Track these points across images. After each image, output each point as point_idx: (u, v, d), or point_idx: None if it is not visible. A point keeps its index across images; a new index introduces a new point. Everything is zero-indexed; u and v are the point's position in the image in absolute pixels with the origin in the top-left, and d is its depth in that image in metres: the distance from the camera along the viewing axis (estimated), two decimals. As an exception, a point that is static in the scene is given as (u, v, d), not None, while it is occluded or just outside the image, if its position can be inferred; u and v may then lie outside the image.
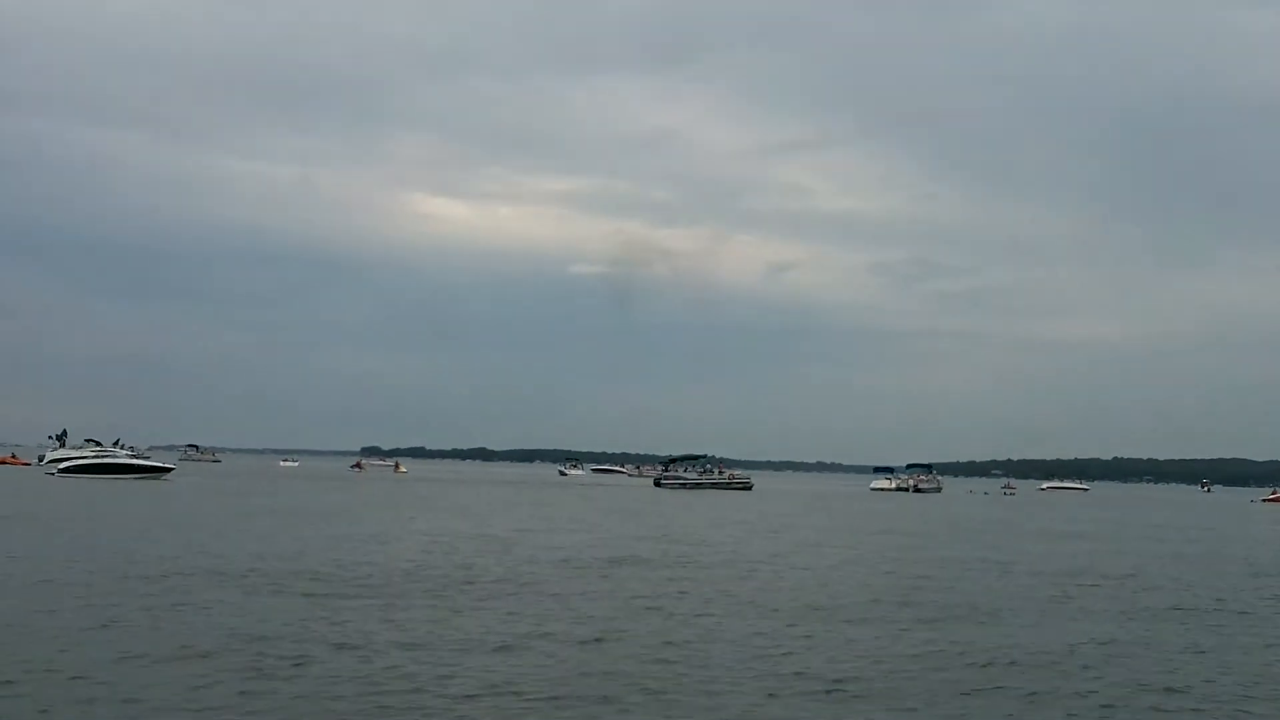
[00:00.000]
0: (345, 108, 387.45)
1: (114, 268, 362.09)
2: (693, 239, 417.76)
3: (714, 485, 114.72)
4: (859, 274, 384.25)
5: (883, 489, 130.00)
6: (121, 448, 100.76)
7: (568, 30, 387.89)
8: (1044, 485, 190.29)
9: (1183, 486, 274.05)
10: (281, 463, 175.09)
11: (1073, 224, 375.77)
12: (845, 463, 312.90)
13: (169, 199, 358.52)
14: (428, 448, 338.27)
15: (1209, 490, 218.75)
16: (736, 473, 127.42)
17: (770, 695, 14.68)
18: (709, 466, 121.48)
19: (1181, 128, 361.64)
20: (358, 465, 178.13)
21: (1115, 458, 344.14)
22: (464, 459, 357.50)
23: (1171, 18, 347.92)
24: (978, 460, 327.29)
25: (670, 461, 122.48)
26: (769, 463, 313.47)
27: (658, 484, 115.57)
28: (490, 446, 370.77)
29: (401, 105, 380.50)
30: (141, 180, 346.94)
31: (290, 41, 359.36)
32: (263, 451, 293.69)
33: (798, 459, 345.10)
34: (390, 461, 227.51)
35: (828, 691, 14.99)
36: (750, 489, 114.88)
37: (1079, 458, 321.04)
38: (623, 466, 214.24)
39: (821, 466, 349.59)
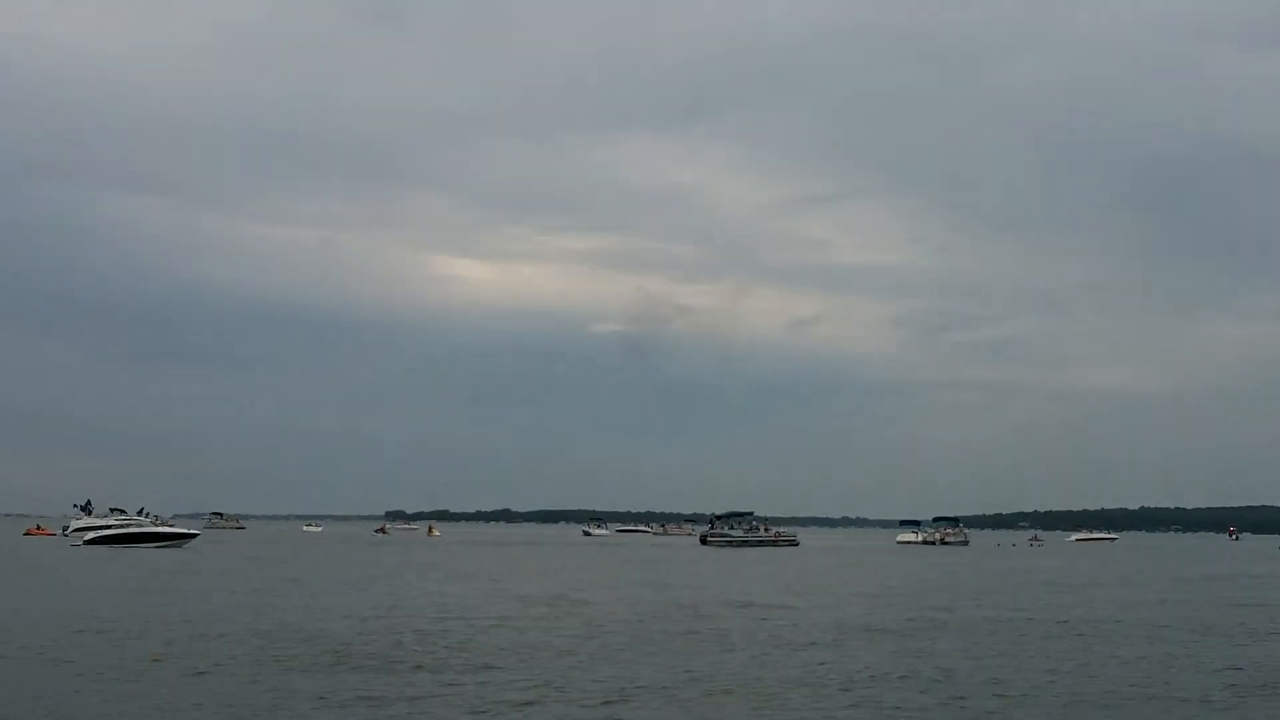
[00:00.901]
0: (366, 170, 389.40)
1: (135, 333, 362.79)
2: (714, 294, 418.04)
3: (760, 543, 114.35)
4: (881, 326, 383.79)
5: (909, 542, 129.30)
6: (145, 516, 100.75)
7: (587, 89, 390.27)
8: (1073, 537, 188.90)
9: (1210, 535, 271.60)
10: (305, 528, 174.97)
11: (1093, 273, 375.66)
12: (870, 517, 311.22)
13: (190, 264, 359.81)
14: (452, 510, 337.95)
15: (1237, 538, 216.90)
16: (782, 530, 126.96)
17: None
18: (754, 524, 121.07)
19: (1197, 178, 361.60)
20: (382, 530, 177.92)
21: (1142, 507, 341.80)
22: (488, 521, 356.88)
23: (1185, 70, 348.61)
24: (1004, 513, 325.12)
25: (716, 519, 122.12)
26: (794, 518, 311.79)
27: (704, 541, 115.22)
28: (514, 508, 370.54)
29: (422, 167, 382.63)
30: (163, 245, 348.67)
31: (311, 105, 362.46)
32: (286, 517, 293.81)
33: (822, 514, 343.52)
34: (415, 525, 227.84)
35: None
36: (796, 545, 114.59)
37: (1105, 508, 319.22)
38: (648, 525, 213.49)
39: (847, 521, 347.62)
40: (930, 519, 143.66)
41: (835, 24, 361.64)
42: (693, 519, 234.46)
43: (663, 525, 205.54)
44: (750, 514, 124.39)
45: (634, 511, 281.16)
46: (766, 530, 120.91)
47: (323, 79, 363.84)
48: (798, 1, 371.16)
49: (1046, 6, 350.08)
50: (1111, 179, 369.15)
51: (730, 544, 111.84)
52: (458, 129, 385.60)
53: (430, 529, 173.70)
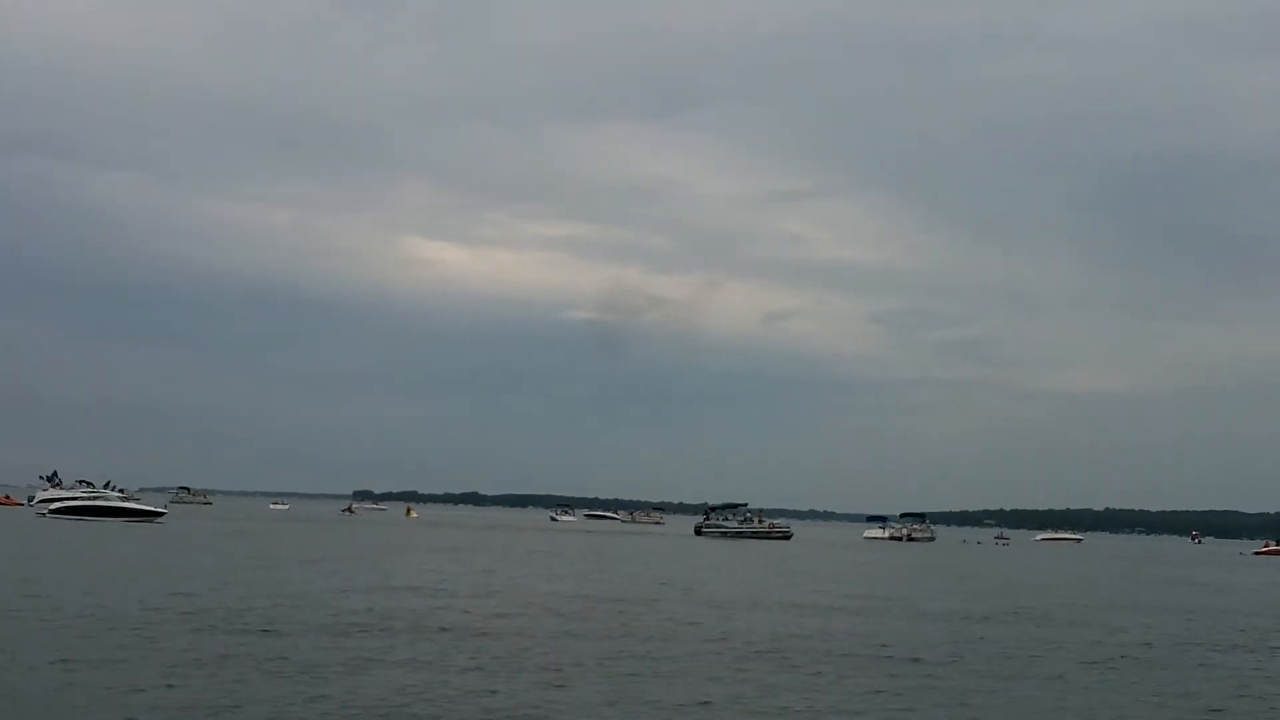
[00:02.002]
0: (343, 153, 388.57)
1: (106, 310, 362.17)
2: (689, 286, 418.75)
3: (754, 534, 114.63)
4: (856, 323, 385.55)
5: (876, 538, 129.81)
6: (113, 489, 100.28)
7: (567, 79, 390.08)
8: (1039, 536, 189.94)
9: (1174, 538, 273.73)
10: (272, 505, 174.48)
11: (1066, 275, 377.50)
12: (838, 511, 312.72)
13: (163, 242, 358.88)
14: (420, 492, 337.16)
15: (1199, 542, 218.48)
16: (776, 522, 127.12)
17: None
18: (749, 515, 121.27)
19: (1173, 180, 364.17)
20: (349, 509, 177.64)
21: (1107, 509, 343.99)
22: (456, 503, 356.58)
23: (1163, 73, 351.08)
24: (970, 510, 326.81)
25: (711, 510, 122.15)
26: (761, 510, 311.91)
27: (699, 532, 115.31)
28: (482, 491, 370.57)
29: (399, 151, 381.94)
30: (136, 223, 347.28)
31: (288, 86, 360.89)
32: (254, 494, 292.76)
33: (790, 506, 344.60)
34: (383, 506, 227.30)
35: None
36: (790, 538, 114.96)
37: (1071, 508, 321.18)
38: (615, 513, 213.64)
39: (814, 515, 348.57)
40: (897, 515, 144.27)
41: (814, 21, 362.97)
42: (660, 507, 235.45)
43: (630, 513, 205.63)
44: (745, 505, 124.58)
45: (601, 498, 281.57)
46: (760, 522, 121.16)
47: (302, 61, 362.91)
48: (779, 1, 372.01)
49: (1024, 6, 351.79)
50: (1087, 180, 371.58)
51: (725, 535, 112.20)
52: (437, 113, 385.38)
53: (409, 510, 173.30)
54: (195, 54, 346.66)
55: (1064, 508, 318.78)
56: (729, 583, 46.04)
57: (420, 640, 23.65)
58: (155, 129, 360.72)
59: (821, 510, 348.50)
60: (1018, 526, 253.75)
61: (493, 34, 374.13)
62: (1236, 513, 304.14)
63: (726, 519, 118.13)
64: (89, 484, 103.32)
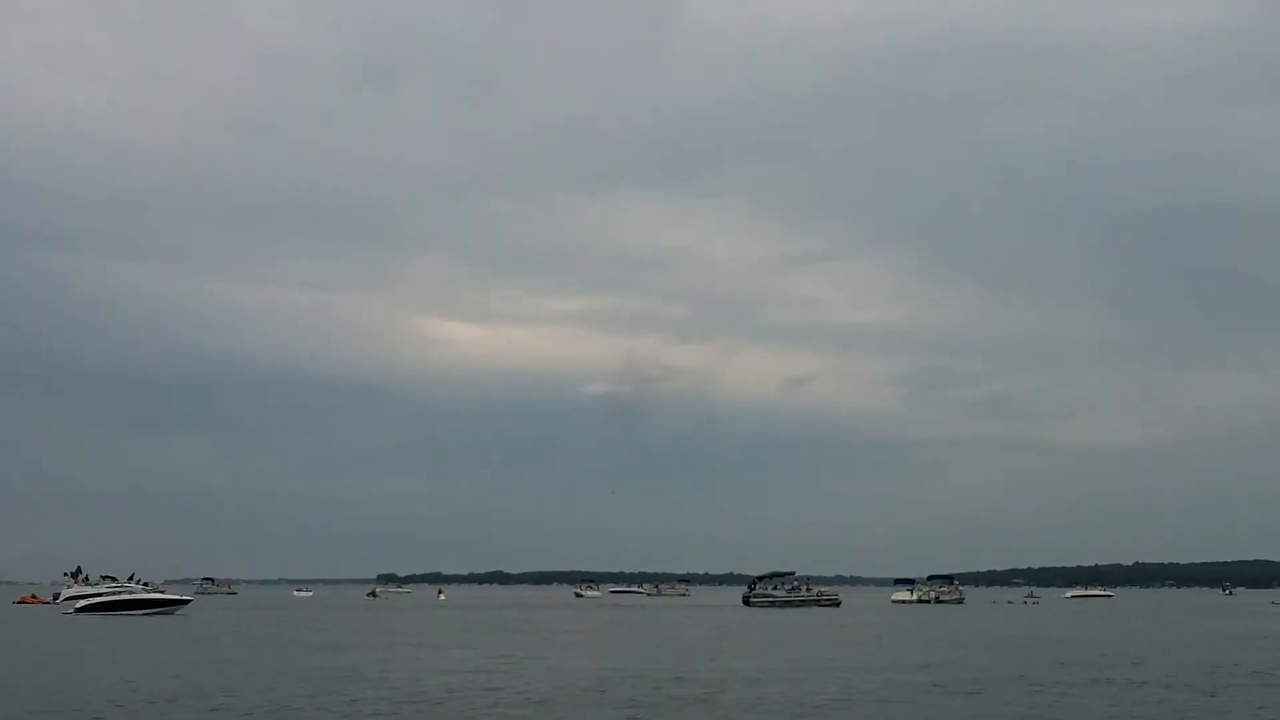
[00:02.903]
0: (359, 233, 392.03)
1: (125, 398, 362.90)
2: (707, 353, 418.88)
3: (803, 603, 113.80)
4: (877, 384, 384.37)
5: (904, 601, 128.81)
6: (137, 582, 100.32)
7: (579, 150, 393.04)
8: (1069, 594, 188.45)
9: (1205, 590, 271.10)
10: (295, 593, 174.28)
11: (1085, 328, 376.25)
12: (865, 575, 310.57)
13: (183, 328, 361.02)
14: (444, 572, 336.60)
15: (1231, 593, 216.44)
16: (825, 590, 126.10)
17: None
18: (796, 584, 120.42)
19: (1190, 229, 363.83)
20: (372, 593, 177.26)
21: (1136, 563, 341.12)
22: (481, 583, 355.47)
23: (1176, 120, 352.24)
24: (998, 569, 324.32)
25: (758, 580, 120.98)
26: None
27: (747, 602, 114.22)
28: (506, 569, 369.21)
29: (415, 228, 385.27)
30: (156, 310, 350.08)
31: (302, 169, 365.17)
32: (278, 582, 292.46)
33: (816, 573, 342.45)
34: (407, 589, 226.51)
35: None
36: (839, 605, 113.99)
37: (1099, 564, 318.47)
38: (640, 586, 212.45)
39: (840, 580, 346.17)
40: (924, 577, 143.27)
41: (821, 82, 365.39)
42: (685, 579, 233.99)
43: (656, 585, 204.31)
44: (792, 574, 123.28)
45: (626, 572, 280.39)
46: (809, 590, 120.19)
47: (312, 142, 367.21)
48: (787, 61, 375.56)
49: (1037, 61, 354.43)
50: (1104, 232, 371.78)
51: (774, 604, 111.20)
52: (448, 190, 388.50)
53: (439, 593, 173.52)
54: (210, 141, 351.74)
55: (1093, 564, 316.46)
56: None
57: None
58: (171, 217, 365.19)
59: (848, 575, 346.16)
60: (1047, 584, 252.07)
61: (503, 107, 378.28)
62: (1269, 562, 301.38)
63: (775, 588, 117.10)
64: (113, 578, 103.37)
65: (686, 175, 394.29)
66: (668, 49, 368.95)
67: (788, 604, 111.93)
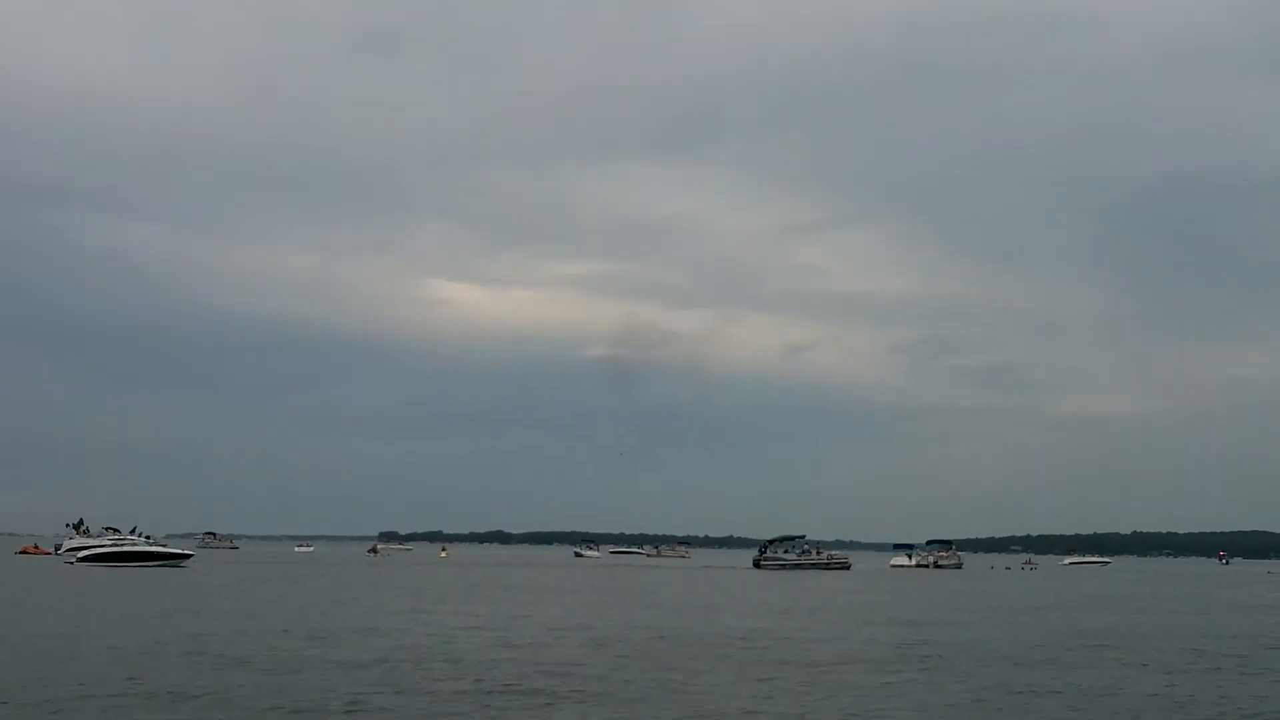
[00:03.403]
0: (363, 196, 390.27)
1: (130, 354, 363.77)
2: (708, 320, 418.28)
3: (813, 566, 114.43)
4: (877, 353, 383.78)
5: (903, 566, 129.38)
6: (139, 535, 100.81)
7: (583, 117, 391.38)
8: (1066, 560, 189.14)
9: (1201, 559, 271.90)
10: (296, 548, 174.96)
11: (1086, 300, 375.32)
12: (863, 540, 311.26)
13: (189, 290, 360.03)
14: (445, 531, 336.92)
15: (1227, 563, 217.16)
16: (834, 553, 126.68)
17: None
18: (807, 548, 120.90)
19: (1191, 203, 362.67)
20: (373, 550, 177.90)
21: (1134, 532, 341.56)
22: (481, 542, 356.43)
23: (1179, 95, 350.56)
24: (997, 536, 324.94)
25: (769, 543, 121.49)
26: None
27: (757, 565, 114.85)
28: (507, 529, 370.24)
29: (419, 193, 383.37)
30: (162, 271, 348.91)
31: (308, 132, 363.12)
32: (279, 538, 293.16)
33: (815, 537, 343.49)
34: (409, 546, 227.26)
35: None
36: (849, 569, 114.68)
37: (1098, 532, 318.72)
38: (641, 548, 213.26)
39: (839, 544, 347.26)
40: (923, 542, 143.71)
41: (829, 53, 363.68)
42: (685, 541, 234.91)
43: (656, 547, 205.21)
44: (803, 537, 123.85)
45: (626, 533, 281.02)
46: (819, 553, 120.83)
47: (320, 107, 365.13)
48: (790, 32, 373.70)
49: (1042, 34, 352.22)
50: (1106, 204, 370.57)
51: (784, 567, 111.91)
52: (454, 156, 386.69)
53: (443, 549, 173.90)
54: (216, 103, 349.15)
55: (1090, 531, 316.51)
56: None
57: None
58: (177, 178, 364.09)
59: (847, 540, 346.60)
60: (1044, 552, 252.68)
61: (508, 75, 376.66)
62: (1265, 533, 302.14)
63: (786, 551, 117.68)
64: (115, 530, 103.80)
65: (690, 143, 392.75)
66: (673, 18, 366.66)
67: (798, 567, 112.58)
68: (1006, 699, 21.93)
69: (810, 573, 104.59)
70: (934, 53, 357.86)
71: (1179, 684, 24.84)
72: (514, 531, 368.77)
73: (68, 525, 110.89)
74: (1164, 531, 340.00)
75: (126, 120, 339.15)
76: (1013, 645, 32.88)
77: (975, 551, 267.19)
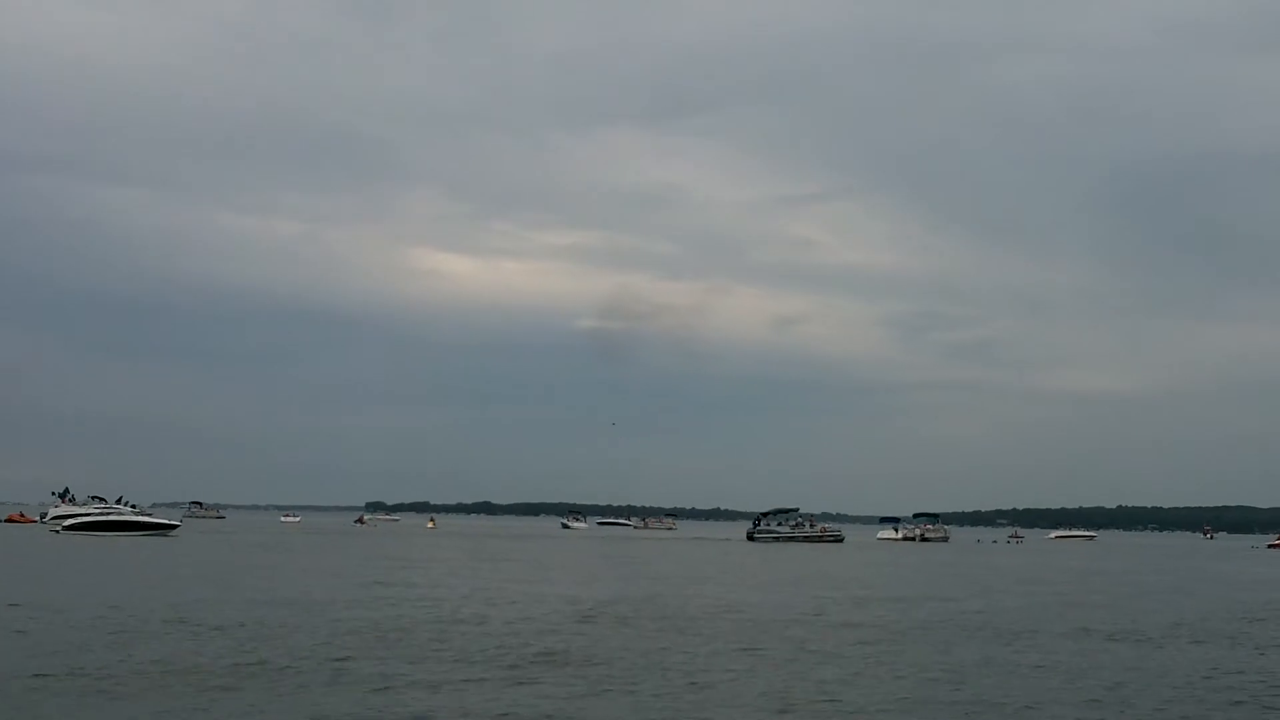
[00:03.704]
0: (351, 164, 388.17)
1: (116, 324, 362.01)
2: (697, 292, 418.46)
3: (807, 539, 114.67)
4: (866, 326, 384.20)
5: (889, 539, 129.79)
6: (125, 505, 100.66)
7: (573, 86, 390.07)
8: (1052, 534, 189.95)
9: (1187, 534, 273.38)
10: (282, 519, 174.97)
11: (1075, 275, 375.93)
12: (850, 513, 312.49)
13: (173, 256, 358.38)
14: (432, 502, 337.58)
15: (1212, 537, 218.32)
16: (828, 526, 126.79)
17: None
18: (800, 520, 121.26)
19: (1181, 179, 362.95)
20: (360, 520, 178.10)
21: (1120, 506, 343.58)
22: (469, 513, 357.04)
23: (1171, 71, 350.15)
24: (983, 510, 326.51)
25: (762, 515, 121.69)
26: (758, 513, 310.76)
27: (751, 537, 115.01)
28: (494, 500, 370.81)
29: (407, 161, 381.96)
30: (145, 237, 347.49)
31: (295, 98, 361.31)
32: (266, 508, 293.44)
33: (803, 509, 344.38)
34: (396, 517, 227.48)
35: None
36: (842, 541, 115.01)
37: (1084, 506, 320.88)
38: (628, 519, 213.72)
39: (826, 517, 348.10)
40: (910, 515, 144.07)
41: (820, 25, 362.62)
42: (672, 513, 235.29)
43: (643, 519, 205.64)
44: (796, 510, 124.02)
45: (614, 505, 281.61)
46: (812, 526, 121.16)
47: (307, 72, 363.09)
48: (783, 2, 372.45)
49: (1031, 8, 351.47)
50: (1095, 180, 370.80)
51: (777, 540, 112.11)
52: (443, 124, 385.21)
53: (431, 520, 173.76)
54: (200, 67, 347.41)
55: (1077, 506, 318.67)
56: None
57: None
58: (162, 143, 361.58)
59: (834, 513, 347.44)
60: (1031, 526, 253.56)
61: (498, 42, 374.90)
62: (1249, 508, 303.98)
63: (779, 524, 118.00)
64: (101, 499, 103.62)
65: (681, 113, 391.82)
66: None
67: (791, 539, 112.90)
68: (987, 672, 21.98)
69: (804, 545, 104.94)
70: (926, 26, 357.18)
71: (1158, 657, 24.94)
72: (501, 502, 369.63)
73: (53, 494, 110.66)
74: (1149, 506, 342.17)
75: (110, 85, 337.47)
76: (1001, 619, 32.99)
77: (961, 525, 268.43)
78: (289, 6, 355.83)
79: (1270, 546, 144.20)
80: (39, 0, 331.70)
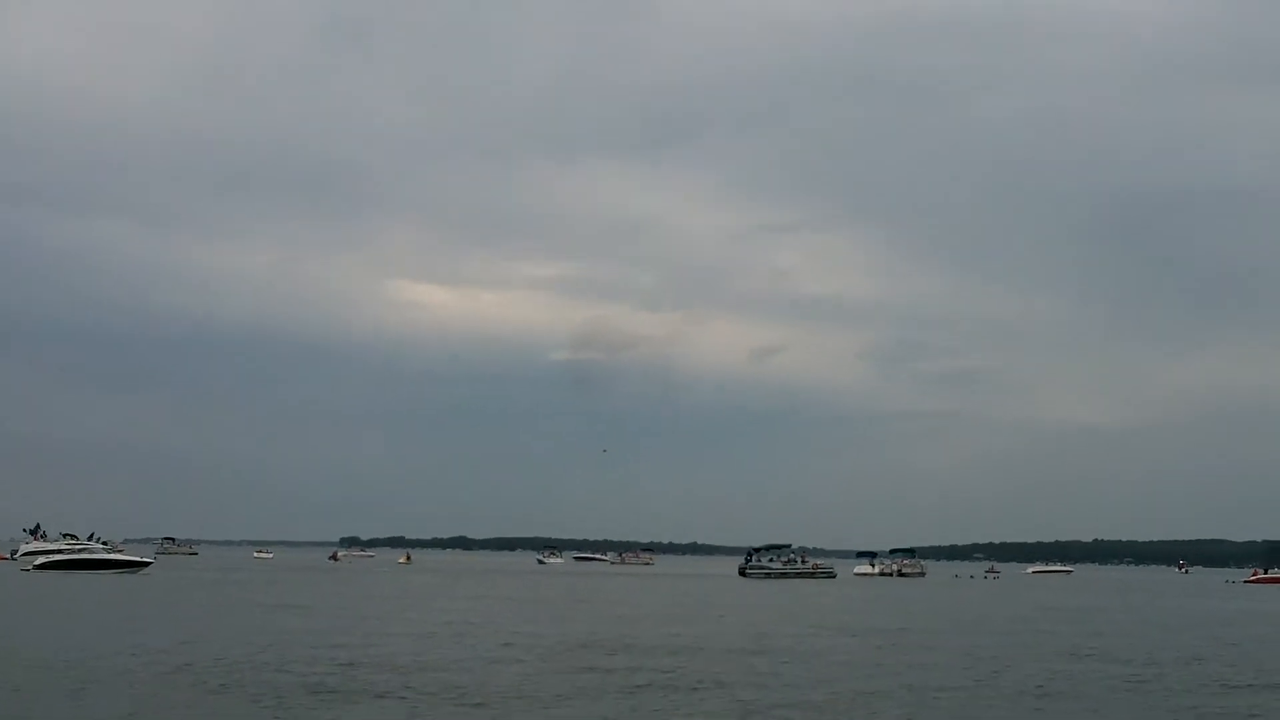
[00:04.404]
0: (330, 193, 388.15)
1: (89, 356, 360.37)
2: (675, 322, 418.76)
3: (799, 574, 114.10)
4: (844, 356, 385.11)
5: (866, 574, 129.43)
6: (97, 541, 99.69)
7: (552, 115, 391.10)
8: (1030, 569, 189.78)
9: (1162, 568, 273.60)
10: (255, 555, 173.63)
11: (1052, 307, 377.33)
12: (827, 547, 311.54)
13: (148, 286, 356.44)
14: (408, 537, 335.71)
15: (1186, 572, 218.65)
16: (820, 562, 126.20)
17: None
18: (793, 556, 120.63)
19: (1157, 213, 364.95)
20: (334, 557, 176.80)
21: (1096, 540, 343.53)
22: (444, 548, 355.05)
23: (1152, 104, 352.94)
24: (959, 544, 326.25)
25: (754, 551, 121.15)
26: (748, 548, 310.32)
27: (743, 573, 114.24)
28: (470, 535, 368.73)
29: (387, 190, 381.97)
30: (121, 268, 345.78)
31: (273, 127, 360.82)
32: (239, 543, 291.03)
33: (779, 542, 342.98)
34: (370, 552, 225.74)
35: None
36: (834, 578, 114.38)
37: (1060, 540, 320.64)
38: (604, 554, 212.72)
39: (802, 551, 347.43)
40: (886, 550, 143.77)
41: (798, 56, 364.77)
42: (649, 547, 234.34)
43: (620, 554, 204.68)
44: (789, 546, 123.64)
45: (590, 539, 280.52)
46: (804, 562, 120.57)
47: (286, 102, 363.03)
48: (761, 33, 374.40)
49: (1015, 41, 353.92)
50: (1073, 212, 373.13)
51: (769, 576, 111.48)
52: (421, 153, 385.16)
53: (406, 556, 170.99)
54: (178, 97, 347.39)
55: (1053, 540, 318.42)
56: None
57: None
58: (139, 173, 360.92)
59: (810, 547, 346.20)
60: (1007, 559, 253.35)
61: (476, 72, 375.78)
62: (1225, 541, 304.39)
63: (771, 560, 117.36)
64: (73, 536, 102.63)
65: (661, 144, 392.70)
66: (647, 19, 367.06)
67: (784, 575, 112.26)
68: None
69: (797, 582, 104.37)
70: (908, 58, 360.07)
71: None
72: (476, 537, 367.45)
73: (25, 530, 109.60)
74: (1125, 540, 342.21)
75: (88, 117, 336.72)
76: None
77: (938, 559, 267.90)
78: (268, 37, 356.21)
79: (1249, 581, 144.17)
80: (14, 30, 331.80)
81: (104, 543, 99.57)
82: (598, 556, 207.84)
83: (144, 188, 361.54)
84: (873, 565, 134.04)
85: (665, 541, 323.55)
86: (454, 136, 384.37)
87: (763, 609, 57.75)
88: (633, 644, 34.55)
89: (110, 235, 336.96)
